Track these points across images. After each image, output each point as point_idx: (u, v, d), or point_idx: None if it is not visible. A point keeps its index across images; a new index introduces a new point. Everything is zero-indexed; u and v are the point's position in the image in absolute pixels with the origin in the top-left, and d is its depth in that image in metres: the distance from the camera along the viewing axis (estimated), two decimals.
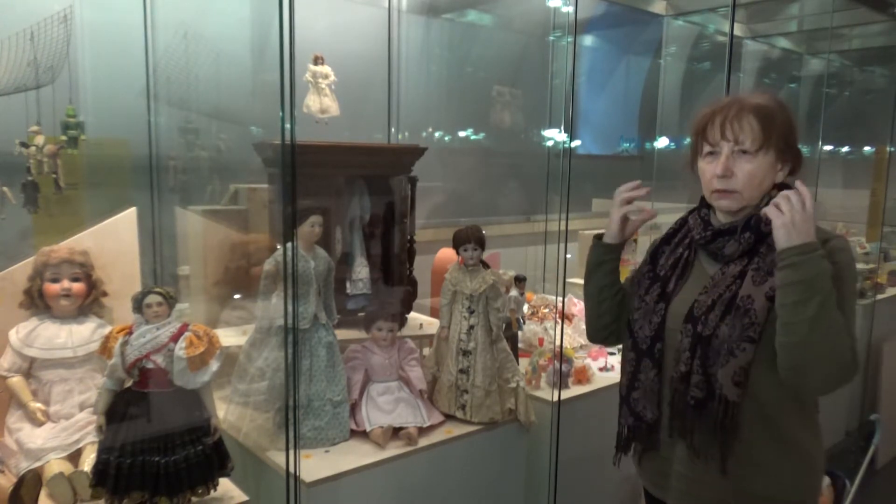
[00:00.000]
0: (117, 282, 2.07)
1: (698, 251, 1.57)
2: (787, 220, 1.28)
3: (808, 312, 1.28)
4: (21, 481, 1.75)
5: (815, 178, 3.99)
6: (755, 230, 1.44)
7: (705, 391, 1.42)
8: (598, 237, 1.69)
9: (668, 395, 1.50)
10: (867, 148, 5.59)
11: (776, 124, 1.43)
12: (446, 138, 3.68)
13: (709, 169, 1.47)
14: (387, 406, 2.17)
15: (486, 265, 2.30)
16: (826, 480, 2.59)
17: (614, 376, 2.73)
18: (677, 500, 1.54)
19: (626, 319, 1.63)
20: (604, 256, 1.67)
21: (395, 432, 2.12)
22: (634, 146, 4.85)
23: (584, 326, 3.09)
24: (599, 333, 1.72)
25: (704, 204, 1.59)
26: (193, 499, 1.76)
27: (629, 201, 1.62)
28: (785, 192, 1.31)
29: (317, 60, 2.54)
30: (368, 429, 2.11)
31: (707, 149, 1.47)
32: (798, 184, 1.33)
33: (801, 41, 5.21)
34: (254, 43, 2.77)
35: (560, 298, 2.62)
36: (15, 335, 1.93)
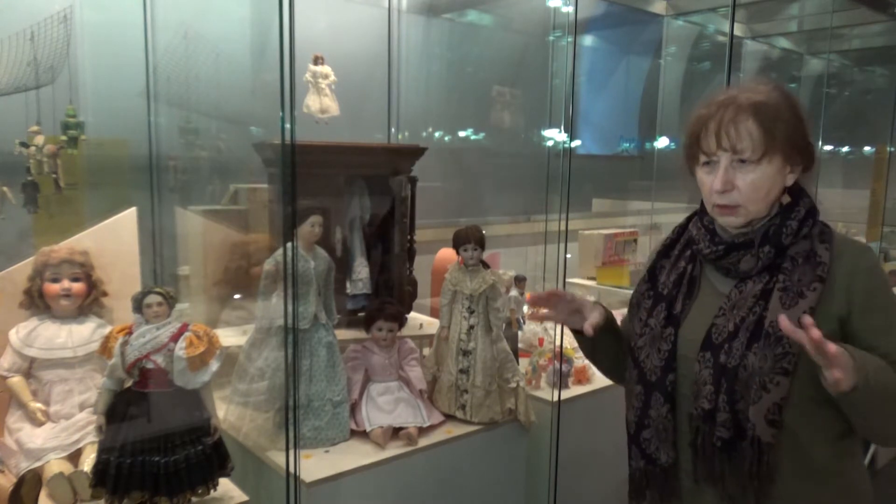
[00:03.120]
0: (117, 282, 2.07)
1: (704, 265, 1.40)
2: (848, 374, 1.10)
3: (886, 415, 1.20)
4: (21, 481, 1.75)
5: (816, 179, 3.98)
6: (775, 242, 1.28)
7: (733, 431, 1.24)
8: (577, 332, 1.48)
9: (686, 434, 1.33)
10: (867, 148, 5.59)
11: (780, 124, 1.25)
12: (446, 138, 3.68)
13: (707, 181, 1.30)
14: (387, 406, 2.17)
15: (486, 265, 2.30)
16: None
17: None
18: None
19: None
20: (593, 344, 1.49)
21: (395, 432, 2.12)
22: (634, 146, 4.85)
23: None
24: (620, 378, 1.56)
25: (706, 210, 1.39)
26: (193, 499, 1.76)
27: (542, 316, 1.45)
28: (827, 354, 1.07)
29: (317, 60, 2.54)
30: (368, 429, 2.11)
31: (703, 158, 1.30)
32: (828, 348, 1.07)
33: (801, 41, 5.21)
34: (254, 43, 2.77)
35: None
36: (15, 335, 1.92)
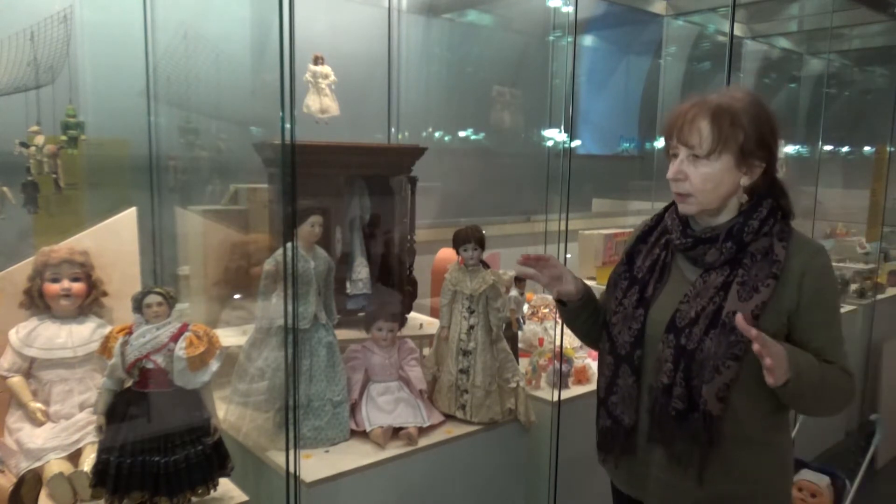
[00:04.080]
0: (117, 282, 2.07)
1: (676, 253, 1.55)
2: (783, 370, 1.30)
3: (814, 401, 1.41)
4: (21, 481, 1.75)
5: (816, 178, 3.98)
6: (737, 240, 1.43)
7: (687, 403, 1.42)
8: (560, 301, 1.67)
9: (646, 402, 1.51)
10: (867, 148, 5.60)
11: (736, 129, 1.39)
12: (446, 138, 3.68)
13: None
14: (387, 406, 2.17)
15: (486, 265, 2.30)
16: (826, 480, 2.60)
17: None
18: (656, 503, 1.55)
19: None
20: (573, 314, 1.65)
21: (395, 432, 2.12)
22: (634, 146, 4.85)
23: None
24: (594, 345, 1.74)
25: None
26: (193, 499, 1.76)
27: (527, 274, 1.61)
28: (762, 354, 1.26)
29: (317, 60, 2.54)
30: (368, 429, 2.11)
31: (671, 151, 1.47)
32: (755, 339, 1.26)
33: (801, 41, 5.21)
34: (254, 43, 2.77)
35: None
36: (15, 335, 1.93)
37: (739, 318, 1.28)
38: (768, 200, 1.46)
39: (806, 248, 1.43)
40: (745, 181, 1.44)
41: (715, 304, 1.41)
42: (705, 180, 1.42)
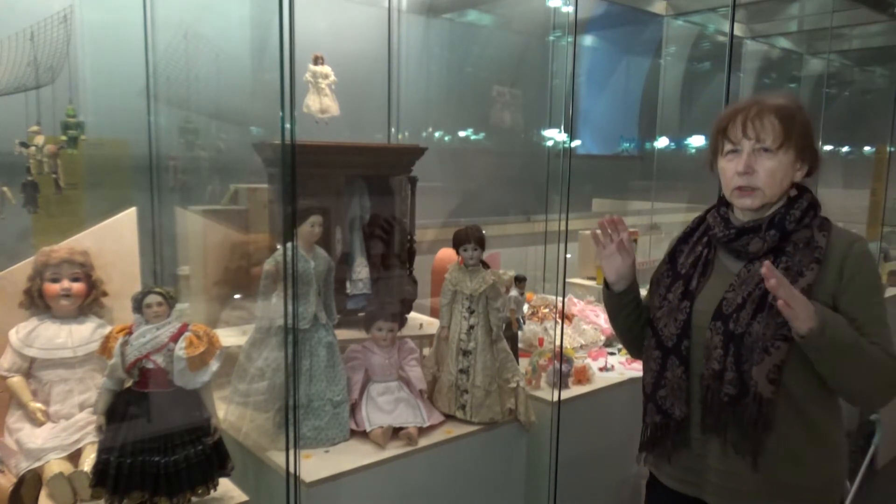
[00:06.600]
0: (117, 282, 2.07)
1: (718, 249, 1.60)
2: (805, 318, 1.33)
3: (845, 369, 1.40)
4: (21, 481, 1.75)
5: (816, 178, 3.98)
6: (780, 228, 1.48)
7: (739, 388, 1.45)
8: (608, 286, 1.69)
9: (697, 392, 1.53)
10: (867, 148, 5.59)
11: (797, 125, 1.47)
12: (446, 138, 3.68)
13: (730, 167, 1.51)
14: (387, 406, 2.17)
15: (486, 265, 2.30)
16: None
17: (614, 376, 2.73)
18: (714, 496, 1.55)
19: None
20: (619, 303, 1.68)
21: (395, 432, 2.12)
22: (634, 146, 4.85)
23: (584, 326, 3.09)
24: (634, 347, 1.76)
25: (723, 202, 1.61)
26: (193, 499, 1.76)
27: (598, 240, 1.64)
28: (779, 290, 1.31)
29: (317, 60, 2.54)
30: (368, 429, 2.11)
31: (728, 147, 1.51)
32: (772, 278, 1.31)
33: (801, 41, 5.21)
34: (254, 43, 2.77)
35: (560, 298, 2.62)
36: (15, 335, 1.93)
37: (766, 266, 1.31)
38: (808, 194, 1.54)
39: (845, 237, 1.49)
40: (798, 177, 1.52)
41: (761, 290, 1.44)
42: (773, 173, 1.47)
